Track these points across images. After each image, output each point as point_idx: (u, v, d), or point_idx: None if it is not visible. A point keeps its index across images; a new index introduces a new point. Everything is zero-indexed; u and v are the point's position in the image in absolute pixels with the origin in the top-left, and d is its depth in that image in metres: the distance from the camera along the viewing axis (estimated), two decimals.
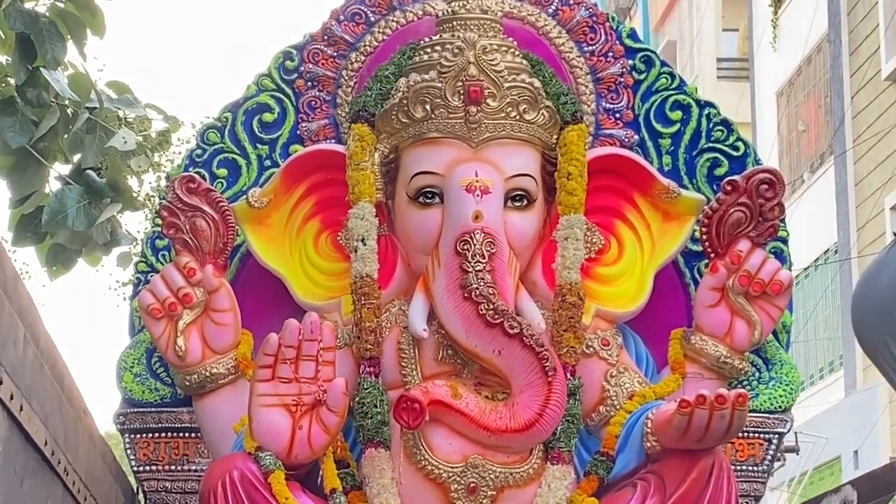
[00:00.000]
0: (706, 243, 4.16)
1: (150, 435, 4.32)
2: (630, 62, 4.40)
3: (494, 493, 3.91)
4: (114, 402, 4.37)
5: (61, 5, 5.35)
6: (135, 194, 6.11)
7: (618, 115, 4.38)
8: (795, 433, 13.45)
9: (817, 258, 16.52)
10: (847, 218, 15.41)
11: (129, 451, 4.33)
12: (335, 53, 4.37)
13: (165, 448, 4.33)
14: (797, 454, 13.89)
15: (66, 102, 5.43)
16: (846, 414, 14.74)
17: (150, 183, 7.37)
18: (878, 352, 2.03)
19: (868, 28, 14.99)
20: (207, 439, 4.20)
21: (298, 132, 4.38)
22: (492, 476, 3.92)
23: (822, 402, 15.76)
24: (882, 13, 14.53)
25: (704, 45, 22.56)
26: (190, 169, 4.35)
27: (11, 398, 3.33)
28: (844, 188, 15.49)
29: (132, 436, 4.32)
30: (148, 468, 4.32)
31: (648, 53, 4.42)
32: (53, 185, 5.56)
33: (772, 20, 18.31)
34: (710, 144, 4.40)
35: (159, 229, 4.23)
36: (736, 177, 4.15)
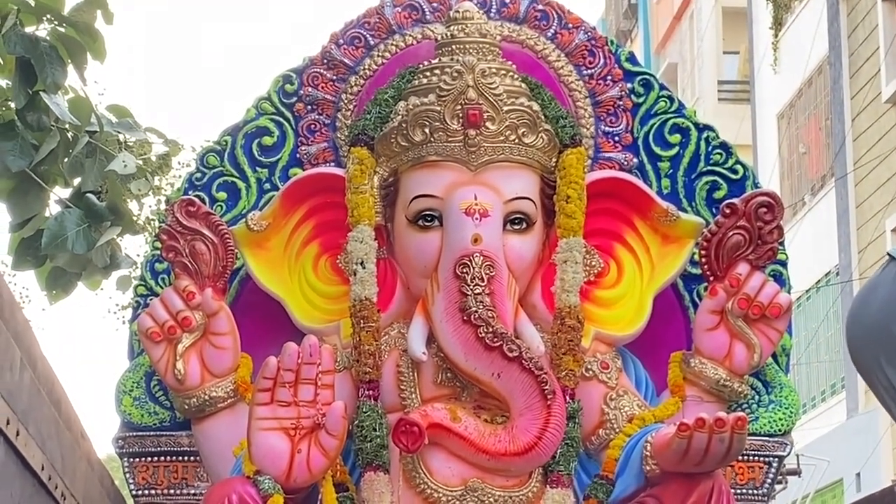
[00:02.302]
0: (705, 266, 4.15)
1: (149, 459, 4.30)
2: (629, 85, 4.40)
3: None
4: (114, 425, 4.37)
5: (62, 30, 5.37)
6: (135, 218, 6.12)
7: (617, 139, 4.38)
8: (797, 455, 13.43)
9: (819, 280, 16.53)
10: (848, 240, 15.43)
11: (127, 475, 4.31)
12: (334, 77, 4.37)
13: (164, 472, 4.32)
14: (799, 477, 13.88)
15: (67, 126, 5.46)
16: (848, 436, 14.72)
17: (150, 206, 7.37)
18: (872, 372, 2.01)
19: (868, 51, 15.03)
20: (206, 463, 4.19)
21: (298, 155, 4.38)
22: (491, 500, 3.91)
23: (825, 425, 15.76)
24: (882, 36, 14.57)
25: (705, 67, 22.63)
26: (189, 192, 4.34)
27: (8, 423, 3.33)
28: (846, 210, 15.52)
29: (131, 459, 4.31)
30: (147, 492, 4.31)
31: (647, 77, 4.42)
32: (53, 209, 5.58)
33: (772, 43, 18.36)
34: (709, 167, 4.40)
35: (158, 253, 4.23)
36: (735, 200, 4.15)
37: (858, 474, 14.28)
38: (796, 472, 13.70)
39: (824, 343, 16.51)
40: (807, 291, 16.58)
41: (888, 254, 2.05)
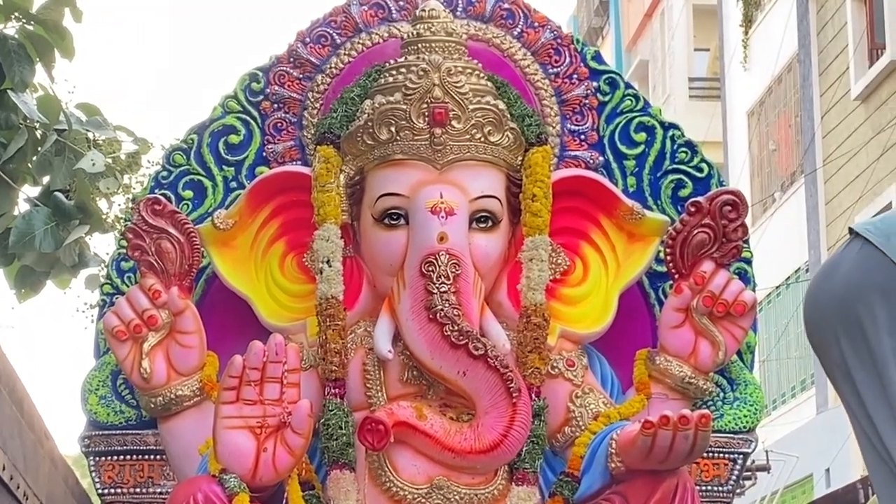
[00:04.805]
0: (670, 264, 4.17)
1: (115, 457, 4.30)
2: (595, 84, 4.42)
3: None
4: (80, 424, 4.36)
5: (30, 28, 5.34)
6: (103, 216, 6.09)
7: (582, 137, 4.40)
8: (766, 451, 13.50)
9: (788, 277, 16.60)
10: (818, 237, 15.50)
11: (93, 474, 4.31)
12: (301, 75, 4.37)
13: (130, 471, 4.31)
14: (768, 473, 13.94)
15: (35, 125, 5.42)
16: (818, 432, 14.78)
17: (119, 205, 7.35)
18: (828, 348, 1.98)
19: (837, 48, 15.10)
20: (172, 462, 4.18)
21: (264, 154, 4.38)
22: (457, 497, 3.92)
23: (794, 421, 15.83)
24: (851, 33, 14.64)
25: (676, 64, 22.69)
26: (156, 191, 4.34)
27: None
28: (815, 207, 15.59)
29: (97, 458, 4.31)
30: (113, 491, 4.30)
31: (613, 75, 4.44)
32: (22, 207, 5.54)
33: (742, 40, 18.44)
34: (675, 166, 4.42)
35: (124, 251, 4.22)
36: (699, 198, 4.17)
37: (828, 470, 14.34)
38: (766, 468, 13.77)
39: (794, 339, 16.58)
40: (776, 288, 16.65)
41: (850, 228, 2.02)
